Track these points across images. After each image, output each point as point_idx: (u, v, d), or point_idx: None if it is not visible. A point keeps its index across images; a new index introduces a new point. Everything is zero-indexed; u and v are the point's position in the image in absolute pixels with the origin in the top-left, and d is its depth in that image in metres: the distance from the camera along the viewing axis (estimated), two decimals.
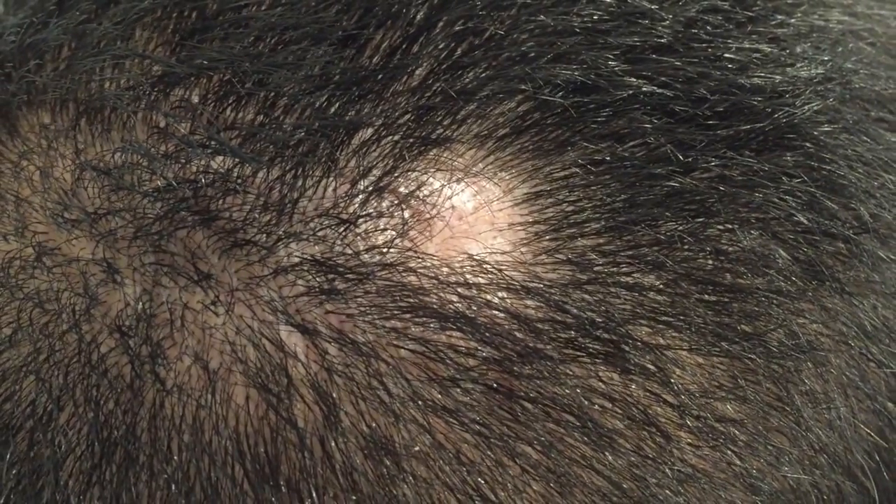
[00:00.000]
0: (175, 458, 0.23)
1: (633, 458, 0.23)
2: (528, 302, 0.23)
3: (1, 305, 0.25)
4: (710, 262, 0.24)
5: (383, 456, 0.23)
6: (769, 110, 0.25)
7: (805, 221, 0.25)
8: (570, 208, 0.24)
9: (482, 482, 0.23)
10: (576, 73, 0.24)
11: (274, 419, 0.23)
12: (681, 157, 0.24)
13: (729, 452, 0.24)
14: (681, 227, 0.24)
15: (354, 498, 0.23)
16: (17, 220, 0.26)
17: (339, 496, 0.23)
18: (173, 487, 0.23)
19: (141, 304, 0.23)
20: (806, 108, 0.26)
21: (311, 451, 0.23)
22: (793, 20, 0.28)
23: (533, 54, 0.24)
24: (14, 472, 0.24)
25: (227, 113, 0.24)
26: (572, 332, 0.23)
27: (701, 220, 0.24)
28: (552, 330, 0.23)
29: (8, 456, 0.25)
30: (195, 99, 0.25)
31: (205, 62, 0.24)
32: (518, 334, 0.23)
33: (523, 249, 0.24)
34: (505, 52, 0.24)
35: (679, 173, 0.24)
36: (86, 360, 0.24)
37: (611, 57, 0.24)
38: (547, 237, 0.24)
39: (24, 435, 0.24)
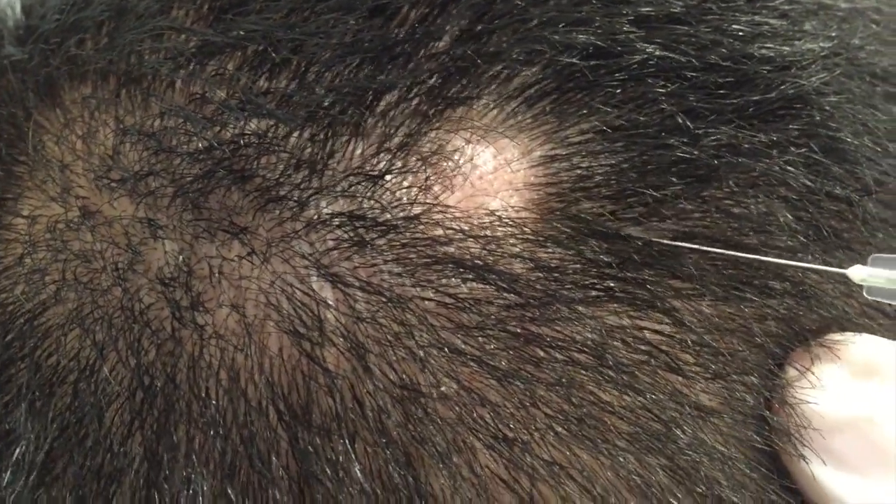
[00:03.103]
0: (213, 403, 0.24)
1: (651, 398, 0.24)
2: (545, 251, 0.24)
3: (45, 266, 0.27)
4: (716, 221, 0.25)
5: (411, 401, 0.24)
6: (778, 80, 0.27)
7: (809, 183, 0.26)
8: (583, 173, 0.25)
9: (506, 426, 0.24)
10: (591, 38, 0.25)
11: (306, 365, 0.24)
12: (691, 126, 0.25)
13: (742, 390, 0.25)
14: (687, 191, 0.25)
15: (384, 441, 0.24)
16: (61, 184, 0.27)
17: (368, 439, 0.24)
18: (211, 431, 0.24)
19: (181, 257, 0.25)
20: (813, 79, 0.27)
21: (342, 396, 0.24)
22: None
23: (551, 20, 0.25)
24: (56, 423, 0.26)
25: (260, 82, 0.26)
26: (588, 277, 0.24)
27: (707, 184, 0.26)
28: (569, 274, 0.24)
29: (51, 408, 0.26)
30: (230, 69, 0.26)
31: (241, 32, 0.26)
32: (536, 281, 0.24)
33: (537, 208, 0.25)
34: (525, 19, 0.25)
35: (690, 144, 0.25)
36: (129, 312, 0.25)
37: (625, 23, 0.25)
38: (558, 199, 0.25)
39: (68, 387, 0.26)
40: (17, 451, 0.26)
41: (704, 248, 0.25)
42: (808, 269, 0.26)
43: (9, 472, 0.26)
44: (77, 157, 0.27)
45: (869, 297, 0.25)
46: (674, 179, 0.25)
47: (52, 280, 0.26)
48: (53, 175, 0.27)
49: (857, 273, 0.25)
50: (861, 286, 0.25)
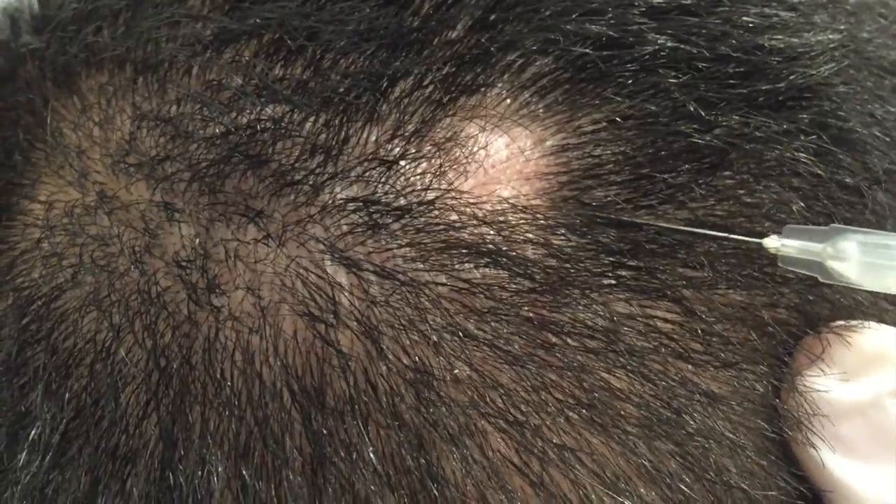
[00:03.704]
0: (228, 385, 0.24)
1: (662, 385, 0.24)
2: (558, 237, 0.25)
3: (62, 249, 0.27)
4: (727, 210, 0.26)
5: (423, 384, 0.24)
6: (787, 71, 0.27)
7: (820, 173, 0.26)
8: (594, 161, 0.25)
9: (518, 410, 0.24)
10: (604, 28, 0.25)
11: (320, 348, 0.24)
12: (703, 113, 0.26)
13: (752, 378, 0.25)
14: (699, 179, 0.26)
15: (397, 423, 0.24)
16: (78, 170, 0.27)
17: (381, 422, 0.24)
18: (226, 413, 0.24)
19: (198, 240, 0.25)
20: (822, 69, 0.27)
21: (356, 378, 0.24)
22: None
23: (564, 10, 0.25)
24: (72, 405, 0.26)
25: (276, 69, 0.26)
26: (600, 264, 0.24)
27: (718, 171, 0.26)
28: (581, 260, 0.24)
29: (67, 390, 0.26)
30: (247, 56, 0.26)
31: (258, 20, 0.26)
32: (549, 267, 0.24)
33: (549, 196, 0.25)
34: (538, 9, 0.26)
35: (702, 131, 0.26)
36: (145, 295, 0.25)
37: (637, 14, 0.26)
38: (570, 187, 0.25)
39: (84, 369, 0.26)
40: (33, 432, 0.26)
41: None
42: (725, 238, 0.25)
43: (24, 454, 0.26)
44: (94, 142, 0.28)
45: (782, 266, 0.25)
46: (685, 166, 0.26)
47: (70, 263, 0.27)
48: (71, 161, 0.28)
49: (772, 243, 0.25)
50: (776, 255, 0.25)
